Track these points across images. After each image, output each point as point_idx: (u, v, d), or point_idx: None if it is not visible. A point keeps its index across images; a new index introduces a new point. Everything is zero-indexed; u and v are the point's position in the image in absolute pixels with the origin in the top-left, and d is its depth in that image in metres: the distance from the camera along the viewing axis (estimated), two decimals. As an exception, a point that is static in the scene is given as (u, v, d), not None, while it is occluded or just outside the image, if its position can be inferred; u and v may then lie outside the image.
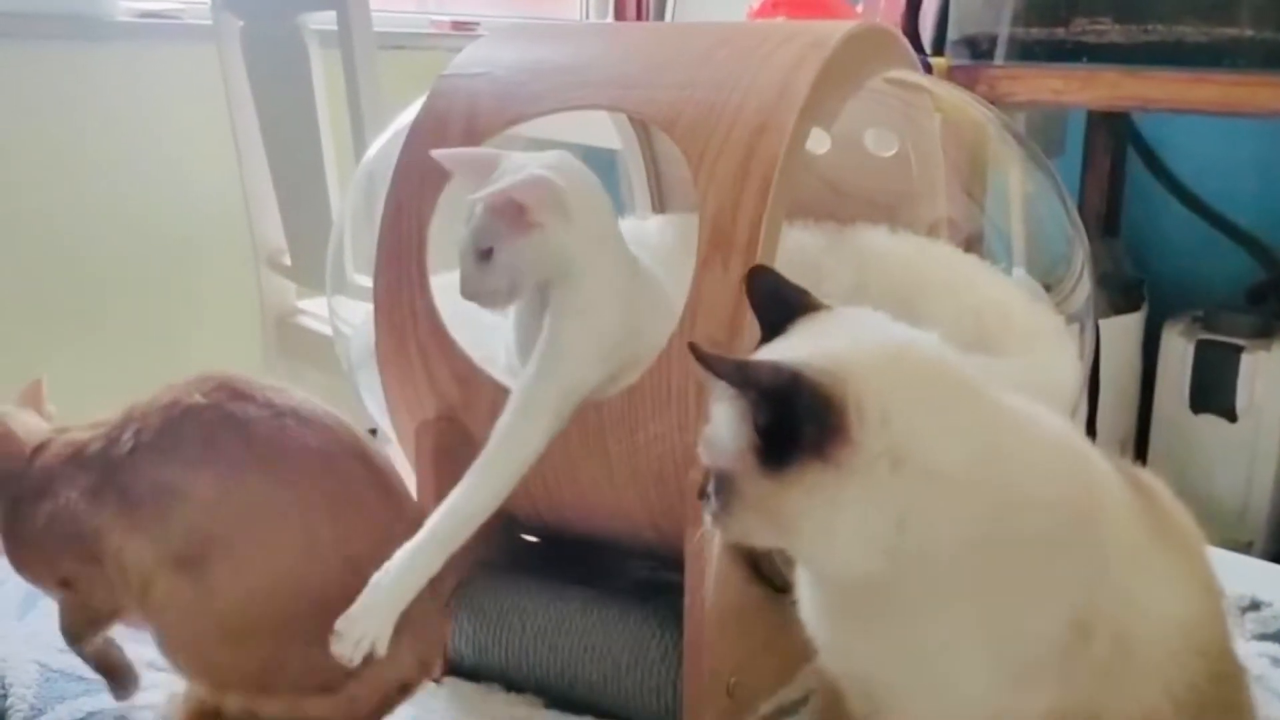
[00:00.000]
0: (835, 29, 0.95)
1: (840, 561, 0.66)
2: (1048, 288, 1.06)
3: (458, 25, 2.87)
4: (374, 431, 1.85)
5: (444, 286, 1.03)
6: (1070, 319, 1.04)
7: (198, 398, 0.85)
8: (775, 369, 0.64)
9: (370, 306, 1.31)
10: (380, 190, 1.18)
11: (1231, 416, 2.04)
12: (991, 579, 0.66)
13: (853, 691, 0.74)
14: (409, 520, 0.86)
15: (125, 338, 2.45)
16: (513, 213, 0.87)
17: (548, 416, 0.89)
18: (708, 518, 0.69)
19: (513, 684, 1.00)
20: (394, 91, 1.80)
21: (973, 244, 1.10)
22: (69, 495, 0.85)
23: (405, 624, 0.82)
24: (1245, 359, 2.01)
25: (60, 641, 1.05)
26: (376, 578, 0.81)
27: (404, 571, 0.82)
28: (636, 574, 1.13)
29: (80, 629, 0.90)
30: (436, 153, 0.92)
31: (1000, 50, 1.98)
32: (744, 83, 0.93)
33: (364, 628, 0.79)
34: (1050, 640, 0.66)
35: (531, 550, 1.12)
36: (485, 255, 0.89)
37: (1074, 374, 1.02)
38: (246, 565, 0.82)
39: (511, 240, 0.88)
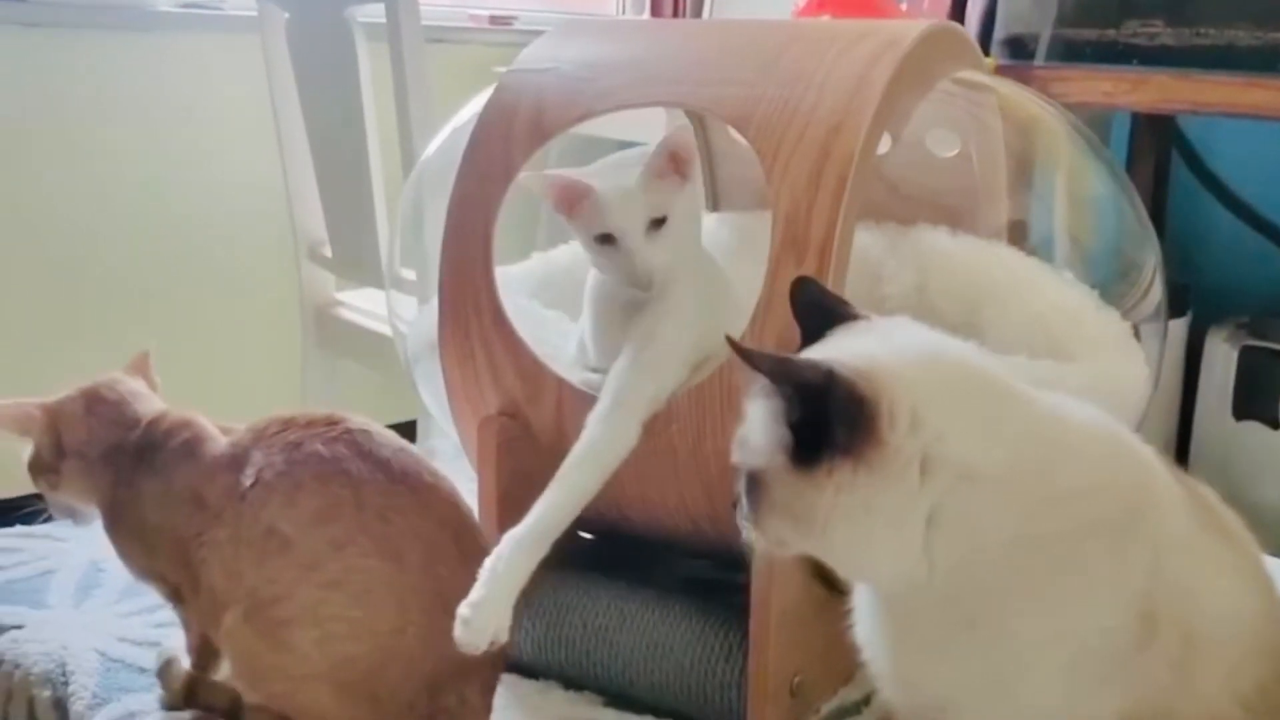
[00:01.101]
0: (909, 28, 0.94)
1: (877, 566, 0.67)
2: (1120, 292, 1.05)
3: (495, 20, 2.87)
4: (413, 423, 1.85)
5: (506, 280, 1.03)
6: (1143, 323, 1.03)
7: (319, 446, 0.85)
8: (810, 365, 0.65)
9: (417, 301, 1.31)
10: (438, 186, 1.18)
11: (1275, 424, 2.02)
12: (1053, 575, 0.65)
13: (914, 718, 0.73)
14: None
15: (165, 328, 2.46)
16: (681, 159, 0.91)
17: (643, 410, 0.91)
18: (742, 522, 0.70)
19: (571, 682, 1.00)
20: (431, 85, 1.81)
21: (1041, 247, 1.09)
22: (189, 503, 0.86)
23: (450, 713, 0.84)
24: (1290, 366, 1.99)
25: (120, 630, 1.06)
26: (490, 563, 0.82)
27: (517, 557, 0.83)
28: (688, 571, 1.12)
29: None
30: (526, 176, 0.92)
31: (1049, 51, 1.97)
32: (817, 80, 0.92)
33: (487, 616, 0.80)
34: (1122, 634, 0.66)
35: (583, 547, 1.12)
36: (659, 224, 0.91)
37: (1142, 380, 1.01)
38: (334, 636, 0.82)
39: (680, 192, 0.92)
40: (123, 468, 0.90)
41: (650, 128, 1.93)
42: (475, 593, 0.80)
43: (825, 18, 2.07)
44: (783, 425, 0.65)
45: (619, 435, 0.90)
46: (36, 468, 0.92)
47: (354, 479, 0.84)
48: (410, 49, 1.75)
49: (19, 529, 1.27)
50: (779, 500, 0.66)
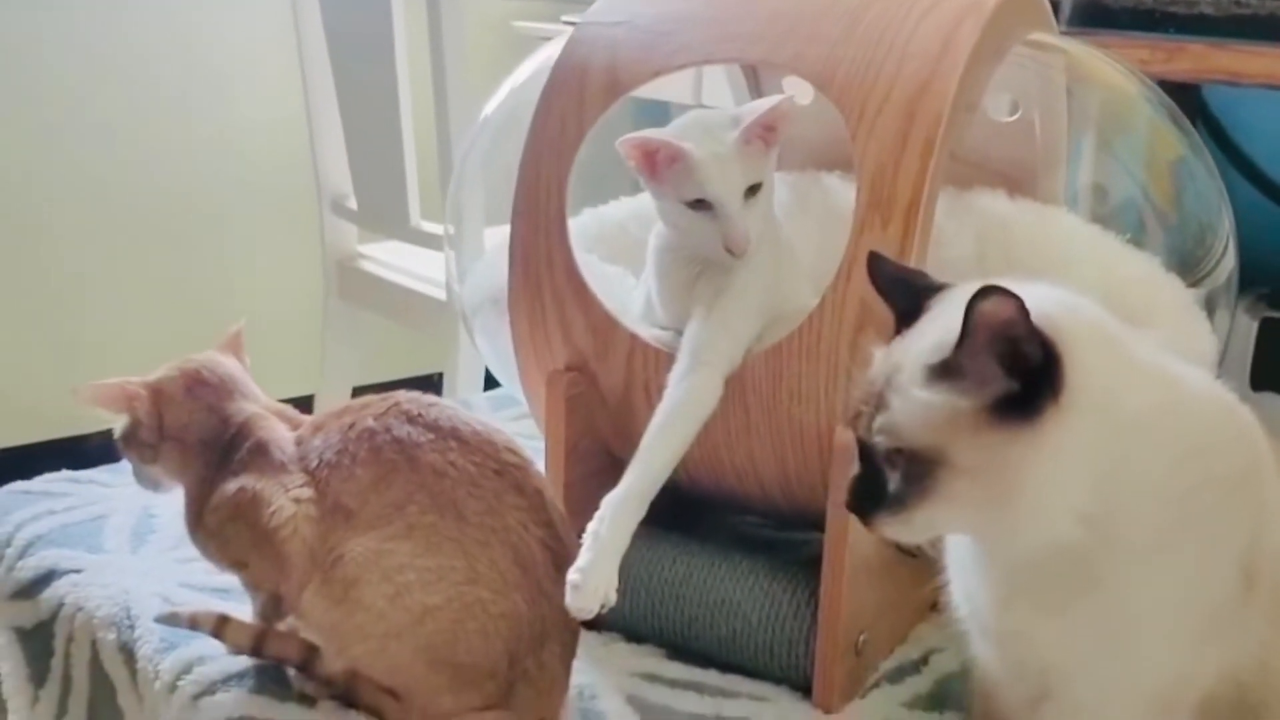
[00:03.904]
0: (991, -10, 0.94)
1: (1044, 526, 0.66)
2: (1196, 258, 1.06)
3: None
4: (439, 376, 1.84)
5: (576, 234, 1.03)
6: (1214, 292, 1.04)
7: (370, 422, 0.87)
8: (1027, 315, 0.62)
9: (452, 258, 1.30)
10: (495, 143, 1.17)
11: (1293, 394, 2.03)
12: (1179, 531, 0.67)
13: (1016, 677, 0.74)
14: (557, 552, 0.86)
15: (185, 277, 2.44)
16: (775, 128, 0.90)
17: (724, 366, 0.92)
18: (886, 518, 0.67)
19: (634, 635, 1.01)
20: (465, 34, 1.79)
21: (1114, 213, 1.09)
22: (272, 492, 0.87)
23: (529, 679, 0.85)
24: (1311, 338, 2.01)
25: (180, 576, 1.06)
26: (593, 528, 0.83)
27: (619, 520, 0.84)
28: (737, 527, 1.13)
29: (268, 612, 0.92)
30: (622, 141, 0.90)
31: (1079, 17, 1.95)
32: (901, 41, 0.92)
33: (596, 580, 0.81)
34: (1227, 588, 0.68)
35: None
36: (753, 191, 0.90)
37: (1210, 350, 1.02)
38: (408, 588, 0.83)
39: (767, 159, 0.91)
40: (210, 464, 0.91)
41: (681, 88, 1.92)
42: (582, 558, 0.82)
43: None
44: (984, 383, 0.63)
45: (704, 393, 0.91)
46: (132, 442, 0.92)
47: (405, 443, 0.86)
48: (447, -3, 1.73)
49: (65, 473, 1.27)
50: (967, 468, 0.64)
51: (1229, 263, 1.06)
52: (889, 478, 0.67)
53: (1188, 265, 1.06)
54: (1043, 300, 0.66)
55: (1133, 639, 0.67)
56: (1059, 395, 0.63)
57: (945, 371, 0.65)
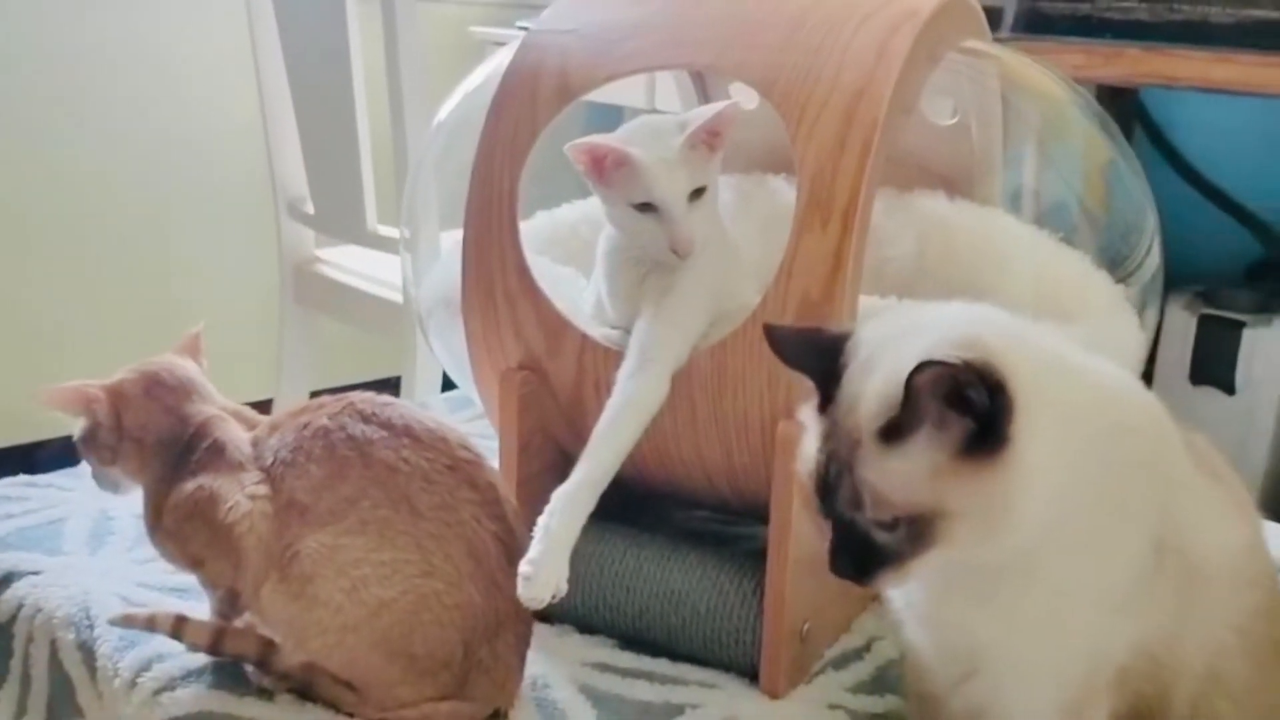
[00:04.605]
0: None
1: (1020, 537, 0.68)
2: (1123, 256, 1.10)
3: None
4: (398, 379, 1.86)
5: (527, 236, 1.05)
6: (1141, 289, 1.08)
7: (325, 420, 0.90)
8: (964, 364, 0.64)
9: (409, 259, 1.32)
10: (449, 148, 1.20)
11: (1230, 389, 2.10)
12: (1101, 514, 0.70)
13: (946, 659, 0.77)
14: (509, 545, 0.89)
15: (140, 281, 2.44)
16: (720, 133, 0.93)
17: (671, 363, 0.94)
18: (889, 576, 0.68)
19: (587, 626, 1.03)
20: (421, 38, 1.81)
21: (1046, 214, 1.14)
22: (229, 489, 0.89)
23: (484, 669, 0.87)
24: (1247, 334, 2.07)
25: (138, 576, 1.08)
26: (544, 521, 0.85)
27: (569, 513, 0.87)
28: (685, 521, 1.16)
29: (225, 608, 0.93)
30: (570, 146, 0.93)
31: (1021, 24, 2.01)
32: (839, 48, 0.95)
33: (548, 572, 0.83)
34: (1140, 562, 0.72)
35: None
36: (698, 194, 0.93)
37: (1138, 343, 1.06)
38: (364, 582, 0.85)
39: (712, 163, 0.94)
40: (168, 464, 0.92)
41: (629, 91, 1.95)
42: (533, 550, 0.84)
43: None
44: (946, 429, 0.66)
45: (652, 389, 0.93)
46: (91, 444, 0.94)
47: (358, 440, 0.89)
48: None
49: (23, 478, 1.28)
50: (966, 511, 0.66)
51: (1154, 261, 1.10)
52: (881, 539, 0.68)
53: (1116, 263, 1.10)
54: (970, 328, 0.68)
55: (1057, 617, 0.71)
56: (1014, 416, 0.65)
57: (900, 432, 0.66)
